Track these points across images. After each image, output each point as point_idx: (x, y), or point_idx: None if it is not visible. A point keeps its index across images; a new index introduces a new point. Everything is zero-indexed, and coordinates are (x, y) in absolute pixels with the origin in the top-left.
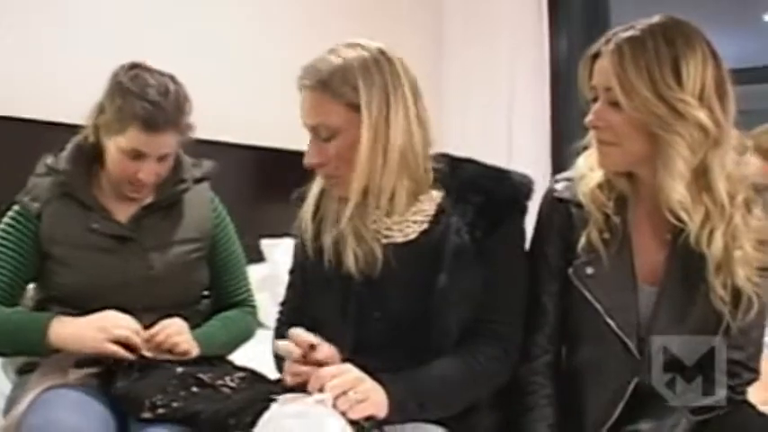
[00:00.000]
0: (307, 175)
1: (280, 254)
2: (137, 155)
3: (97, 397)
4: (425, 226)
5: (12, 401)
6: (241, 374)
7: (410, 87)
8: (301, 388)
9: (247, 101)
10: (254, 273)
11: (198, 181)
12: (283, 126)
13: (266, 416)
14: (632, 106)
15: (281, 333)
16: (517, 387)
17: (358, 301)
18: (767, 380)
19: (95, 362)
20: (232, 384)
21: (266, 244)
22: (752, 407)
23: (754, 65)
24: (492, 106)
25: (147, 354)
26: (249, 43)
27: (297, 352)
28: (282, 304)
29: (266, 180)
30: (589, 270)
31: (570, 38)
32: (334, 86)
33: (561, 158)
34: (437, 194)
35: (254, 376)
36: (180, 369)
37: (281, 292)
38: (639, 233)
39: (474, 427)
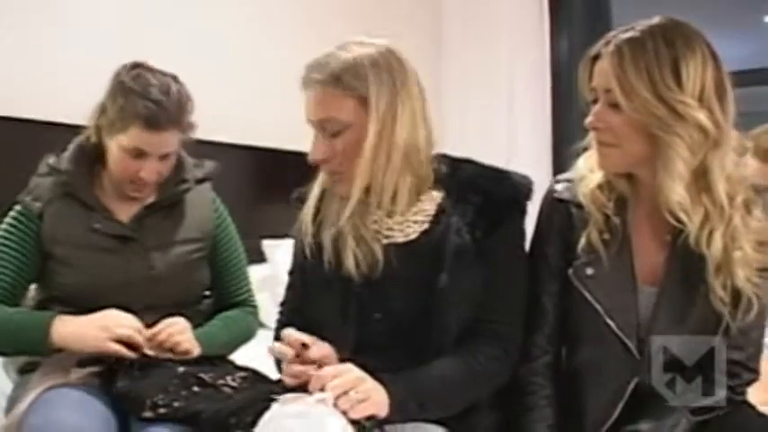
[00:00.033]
0: (307, 176)
1: (281, 254)
2: (139, 154)
3: (98, 396)
4: (426, 226)
5: (13, 401)
6: (242, 374)
7: (416, 86)
8: (302, 388)
9: (247, 101)
10: (256, 273)
11: (200, 181)
12: (283, 126)
13: (267, 415)
14: (632, 107)
15: (280, 334)
16: (517, 387)
17: (358, 301)
18: (767, 380)
19: (97, 361)
20: (233, 384)
21: (267, 245)
22: (752, 407)
23: (755, 66)
24: (492, 107)
25: (149, 352)
26: (249, 43)
27: (290, 353)
28: (282, 305)
29: (267, 181)
30: (589, 271)
31: (571, 39)
32: (345, 80)
33: (562, 160)
34: (437, 195)
35: (255, 376)
36: (181, 369)
37: (281, 292)
38: (639, 234)
39: (474, 427)
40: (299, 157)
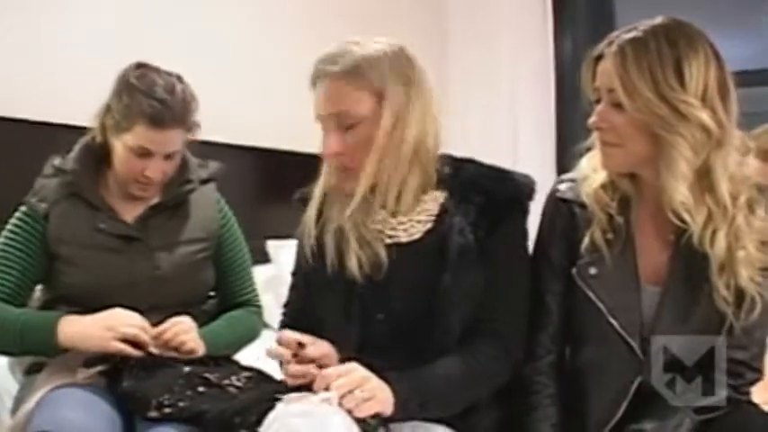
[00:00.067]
0: (311, 177)
1: (285, 255)
2: (144, 153)
3: (104, 396)
4: (429, 225)
5: (19, 401)
6: (247, 374)
7: (427, 84)
8: (307, 387)
9: (247, 101)
10: (260, 274)
11: (204, 182)
12: (282, 126)
13: (272, 415)
14: (635, 107)
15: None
16: (520, 386)
17: (361, 302)
18: None
19: (103, 360)
20: (238, 384)
21: (272, 245)
22: (756, 407)
23: (757, 67)
24: (495, 107)
25: (154, 351)
26: (249, 43)
27: (286, 354)
28: (285, 306)
29: (272, 182)
30: (592, 270)
31: (575, 39)
32: (363, 73)
33: (566, 160)
34: (440, 195)
35: (260, 376)
36: (186, 369)
37: (286, 293)
38: (642, 234)
39: (476, 426)
40: (304, 158)
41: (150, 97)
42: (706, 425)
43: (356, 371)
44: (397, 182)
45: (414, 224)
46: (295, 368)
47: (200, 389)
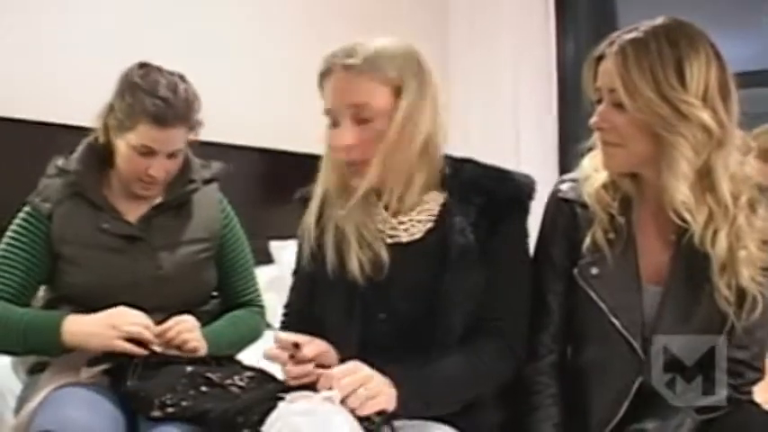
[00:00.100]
0: (312, 177)
1: (288, 255)
2: (147, 151)
3: (107, 395)
4: (430, 225)
5: (23, 401)
6: (250, 374)
7: (436, 82)
8: (309, 387)
9: (247, 101)
10: (263, 274)
11: (207, 182)
12: (283, 126)
13: (274, 414)
14: (636, 107)
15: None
16: (522, 386)
17: (363, 302)
18: None
19: (106, 359)
20: (241, 384)
21: (275, 245)
22: (757, 406)
23: (758, 68)
24: (497, 108)
25: (157, 349)
26: (249, 43)
27: (283, 355)
28: (287, 307)
29: (274, 182)
30: (594, 270)
31: (577, 40)
32: (381, 66)
33: (568, 160)
34: (441, 195)
35: (262, 376)
36: (189, 368)
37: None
38: (644, 233)
39: (479, 425)
40: (306, 158)
41: (153, 96)
42: (707, 424)
43: (360, 369)
44: (403, 178)
45: (414, 224)
46: (294, 369)
47: (203, 388)
